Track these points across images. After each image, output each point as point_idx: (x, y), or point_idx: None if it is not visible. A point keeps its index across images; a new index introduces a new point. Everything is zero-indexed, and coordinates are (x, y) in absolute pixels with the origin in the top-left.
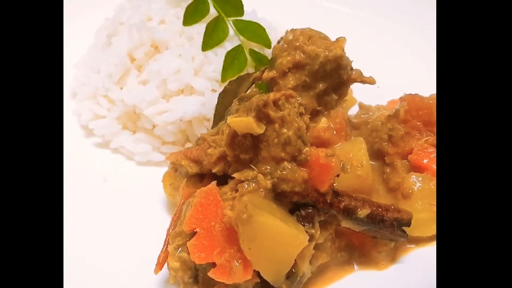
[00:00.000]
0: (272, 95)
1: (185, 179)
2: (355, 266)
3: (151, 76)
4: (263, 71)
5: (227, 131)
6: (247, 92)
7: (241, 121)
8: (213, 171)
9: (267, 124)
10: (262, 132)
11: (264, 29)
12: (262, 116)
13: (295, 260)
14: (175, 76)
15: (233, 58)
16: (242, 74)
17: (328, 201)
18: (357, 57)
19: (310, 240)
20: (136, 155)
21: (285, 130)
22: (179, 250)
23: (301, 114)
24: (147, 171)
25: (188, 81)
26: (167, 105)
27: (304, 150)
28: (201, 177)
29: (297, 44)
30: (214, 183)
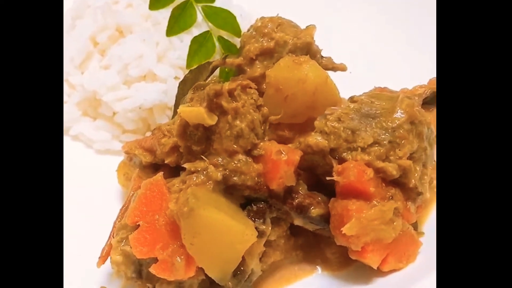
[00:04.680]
0: (227, 85)
1: (138, 169)
2: (318, 267)
3: (113, 61)
4: (225, 58)
5: (178, 121)
6: (206, 81)
7: (192, 111)
8: (166, 161)
9: (220, 115)
10: (214, 123)
11: (235, 17)
12: (214, 106)
13: (243, 257)
14: (137, 62)
15: (200, 44)
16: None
17: (281, 197)
18: (336, 46)
19: (260, 237)
20: (95, 143)
21: (238, 122)
22: (122, 243)
23: (259, 106)
24: (105, 160)
25: (151, 67)
26: (127, 92)
27: (259, 145)
28: (156, 168)
29: (266, 31)
30: (160, 174)
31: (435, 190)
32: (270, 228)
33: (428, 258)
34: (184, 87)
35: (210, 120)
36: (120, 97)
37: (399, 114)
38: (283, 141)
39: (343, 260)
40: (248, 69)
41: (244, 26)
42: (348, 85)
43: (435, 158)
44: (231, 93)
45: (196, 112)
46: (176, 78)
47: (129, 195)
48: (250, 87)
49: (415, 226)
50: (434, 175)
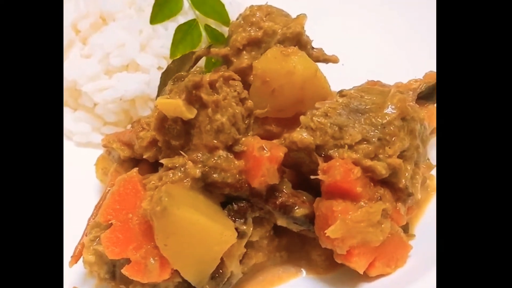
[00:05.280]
0: (208, 76)
1: (116, 163)
2: (303, 270)
3: (94, 50)
4: (209, 48)
5: (155, 114)
6: (189, 72)
7: (169, 103)
8: (144, 156)
9: (199, 108)
10: (193, 116)
11: (223, 5)
12: (193, 99)
13: (221, 259)
14: (119, 51)
15: (185, 32)
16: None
17: (263, 196)
18: (328, 36)
19: (240, 237)
20: (75, 135)
21: (218, 116)
22: (95, 243)
23: (242, 99)
24: (85, 153)
25: (133, 56)
26: (108, 82)
27: (241, 140)
28: (136, 163)
29: (254, 19)
30: (135, 170)
31: (429, 189)
32: (251, 229)
33: (418, 263)
34: (167, 77)
35: (189, 113)
36: (100, 88)
37: (389, 110)
38: (270, 136)
39: (329, 263)
40: (235, 60)
41: (233, 14)
42: (340, 78)
43: (429, 156)
44: (212, 85)
45: (174, 104)
46: (159, 68)
47: (105, 191)
48: (234, 79)
49: (406, 228)
50: (428, 174)
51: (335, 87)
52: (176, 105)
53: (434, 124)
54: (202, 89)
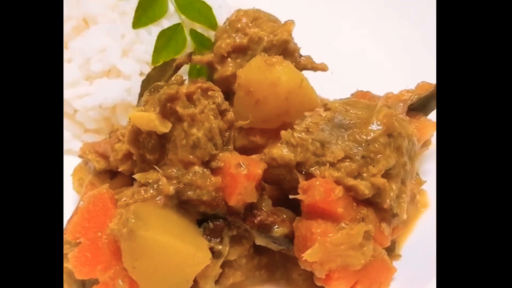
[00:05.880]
0: (184, 88)
1: (91, 175)
2: None
3: (74, 55)
4: (190, 56)
5: (129, 126)
6: (169, 81)
7: (142, 116)
8: (120, 169)
9: (175, 122)
10: (167, 131)
11: (210, 8)
12: (168, 112)
13: (195, 280)
14: (100, 56)
15: (168, 38)
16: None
17: (241, 214)
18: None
19: (216, 257)
20: None
21: (194, 131)
22: (65, 260)
23: (223, 111)
24: (64, 161)
25: (114, 62)
26: (88, 88)
27: (218, 156)
28: (112, 174)
29: (239, 25)
30: (105, 186)
31: (419, 205)
32: (227, 248)
33: (403, 286)
34: (147, 85)
35: (163, 127)
36: (80, 94)
37: (375, 126)
38: (254, 147)
39: (311, 283)
40: (219, 67)
41: (223, 18)
42: (328, 87)
43: (420, 171)
44: (189, 97)
45: (147, 118)
46: (142, 74)
47: (78, 205)
48: (212, 90)
49: (392, 247)
50: (418, 189)
51: (324, 96)
52: (149, 119)
53: (426, 137)
54: (177, 102)
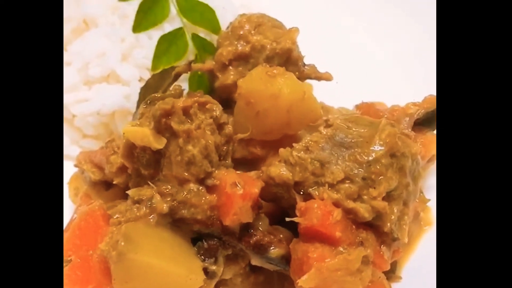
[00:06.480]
0: (181, 102)
1: (87, 186)
2: None
3: (73, 58)
4: (190, 64)
5: (124, 140)
6: (166, 92)
7: (136, 132)
8: (115, 182)
9: (170, 137)
10: (161, 147)
11: (214, 12)
12: (163, 127)
13: None
14: (99, 60)
15: (169, 43)
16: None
17: (236, 234)
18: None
19: (210, 278)
20: None
21: (190, 147)
22: None
23: (221, 125)
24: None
25: (113, 67)
26: (87, 94)
27: (214, 173)
28: (108, 185)
29: (241, 32)
30: (97, 203)
31: (422, 223)
32: (222, 269)
33: None
34: (146, 93)
35: (157, 144)
36: (79, 99)
37: (377, 146)
38: (254, 158)
39: None
40: (220, 75)
41: (227, 20)
42: (333, 94)
43: (424, 188)
44: (186, 111)
45: (141, 133)
46: (141, 80)
47: (71, 218)
48: (211, 103)
49: (393, 268)
50: (421, 208)
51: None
52: (143, 135)
53: (432, 152)
54: (173, 117)
